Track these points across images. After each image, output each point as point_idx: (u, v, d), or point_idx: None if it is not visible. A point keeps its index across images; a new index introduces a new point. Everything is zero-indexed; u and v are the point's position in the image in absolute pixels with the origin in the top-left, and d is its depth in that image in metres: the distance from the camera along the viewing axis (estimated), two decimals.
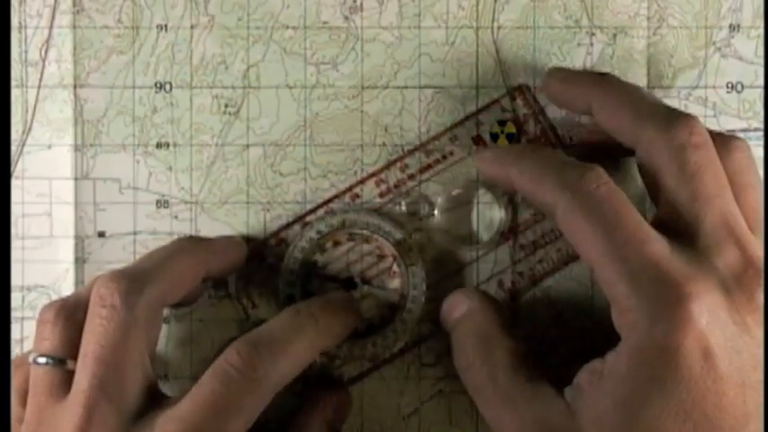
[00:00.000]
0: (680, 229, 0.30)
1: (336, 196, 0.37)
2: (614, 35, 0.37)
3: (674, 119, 0.31)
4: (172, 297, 0.33)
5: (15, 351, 0.37)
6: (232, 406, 0.30)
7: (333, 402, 0.35)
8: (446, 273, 0.37)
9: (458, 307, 0.35)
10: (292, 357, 0.31)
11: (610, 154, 0.35)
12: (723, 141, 0.32)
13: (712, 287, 0.28)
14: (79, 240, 0.37)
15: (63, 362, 0.31)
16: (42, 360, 0.31)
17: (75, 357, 0.31)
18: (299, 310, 0.33)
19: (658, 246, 0.29)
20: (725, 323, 0.28)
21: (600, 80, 0.34)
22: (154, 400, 0.31)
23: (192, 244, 0.34)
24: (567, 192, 0.30)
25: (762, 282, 0.29)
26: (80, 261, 0.37)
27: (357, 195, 0.37)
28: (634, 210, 0.30)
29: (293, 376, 0.32)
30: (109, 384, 0.30)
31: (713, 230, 0.29)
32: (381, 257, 0.36)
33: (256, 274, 0.36)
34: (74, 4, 0.37)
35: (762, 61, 0.37)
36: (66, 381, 0.31)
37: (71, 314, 0.32)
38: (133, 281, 0.31)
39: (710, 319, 0.28)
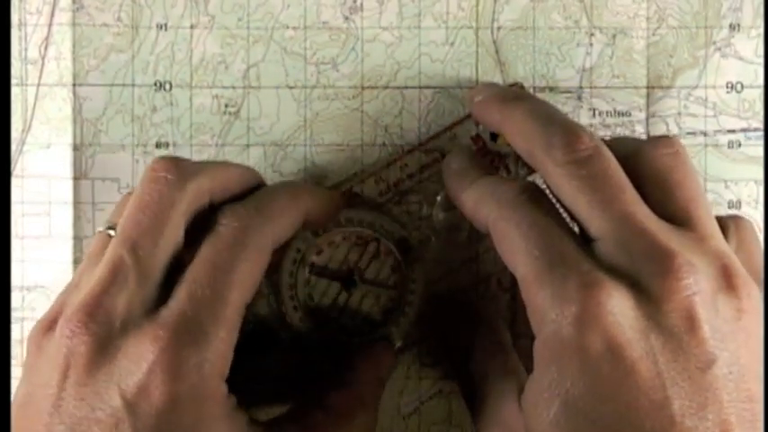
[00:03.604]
0: (588, 238, 0.30)
1: None
2: (614, 35, 0.37)
3: (555, 140, 0.30)
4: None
5: (15, 351, 0.37)
6: (229, 260, 0.30)
7: (385, 359, 0.35)
8: (445, 271, 0.37)
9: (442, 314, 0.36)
10: (279, 211, 0.32)
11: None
12: (649, 144, 0.31)
13: (616, 281, 0.28)
14: (78, 240, 0.37)
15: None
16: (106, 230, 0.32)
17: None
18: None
19: (570, 244, 0.29)
20: (632, 317, 0.27)
21: (504, 106, 0.33)
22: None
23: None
24: (496, 203, 0.31)
25: (676, 270, 0.28)
26: (79, 261, 0.37)
27: (357, 194, 0.37)
28: (553, 211, 0.30)
29: (286, 231, 0.32)
30: (140, 248, 0.30)
31: (614, 231, 0.29)
32: (381, 256, 0.36)
33: None
34: (73, 2, 0.37)
35: (762, 61, 0.37)
36: None
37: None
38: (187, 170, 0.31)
39: (614, 310, 0.27)
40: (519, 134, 0.32)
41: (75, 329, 0.28)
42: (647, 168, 0.31)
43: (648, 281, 0.28)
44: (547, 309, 0.28)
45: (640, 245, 0.28)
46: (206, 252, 0.30)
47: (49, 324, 0.30)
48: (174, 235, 0.30)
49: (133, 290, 0.29)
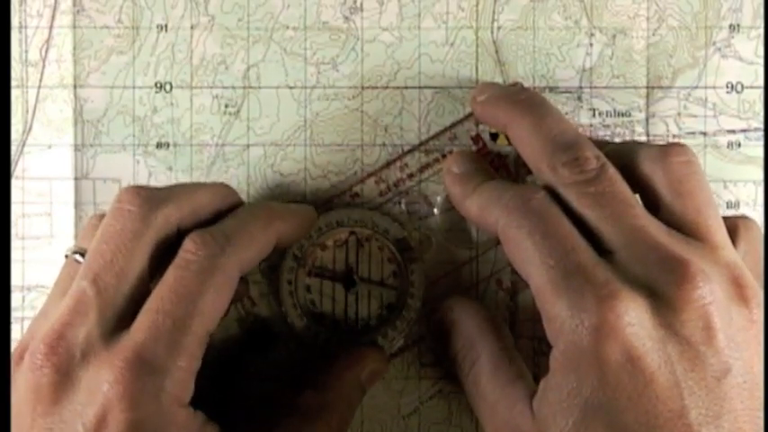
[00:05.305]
0: (600, 248, 0.30)
1: (336, 195, 0.37)
2: (614, 36, 0.37)
3: (563, 159, 0.31)
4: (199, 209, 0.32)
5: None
6: (194, 289, 0.30)
7: (370, 361, 0.35)
8: (445, 271, 0.37)
9: (446, 314, 0.35)
10: (249, 239, 0.31)
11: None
12: (661, 151, 0.32)
13: (634, 292, 0.28)
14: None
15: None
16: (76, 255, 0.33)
17: None
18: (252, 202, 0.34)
19: (585, 255, 0.29)
20: (650, 327, 0.28)
21: (512, 109, 0.33)
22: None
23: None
24: (505, 209, 0.31)
25: (692, 278, 0.28)
26: None
27: (357, 194, 0.37)
28: (565, 221, 0.30)
29: (254, 259, 0.32)
30: (101, 279, 0.30)
31: (626, 244, 0.29)
32: (381, 256, 0.36)
33: (256, 273, 0.36)
34: (74, 4, 0.37)
35: (762, 61, 0.37)
36: None
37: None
38: (153, 198, 0.31)
39: (633, 321, 0.27)
40: (524, 145, 0.32)
41: (37, 362, 0.29)
42: (659, 176, 0.31)
43: (664, 289, 0.28)
44: (565, 319, 0.28)
45: (654, 256, 0.29)
46: (170, 280, 0.30)
47: (20, 354, 0.30)
48: (137, 266, 0.30)
49: (94, 321, 0.29)
